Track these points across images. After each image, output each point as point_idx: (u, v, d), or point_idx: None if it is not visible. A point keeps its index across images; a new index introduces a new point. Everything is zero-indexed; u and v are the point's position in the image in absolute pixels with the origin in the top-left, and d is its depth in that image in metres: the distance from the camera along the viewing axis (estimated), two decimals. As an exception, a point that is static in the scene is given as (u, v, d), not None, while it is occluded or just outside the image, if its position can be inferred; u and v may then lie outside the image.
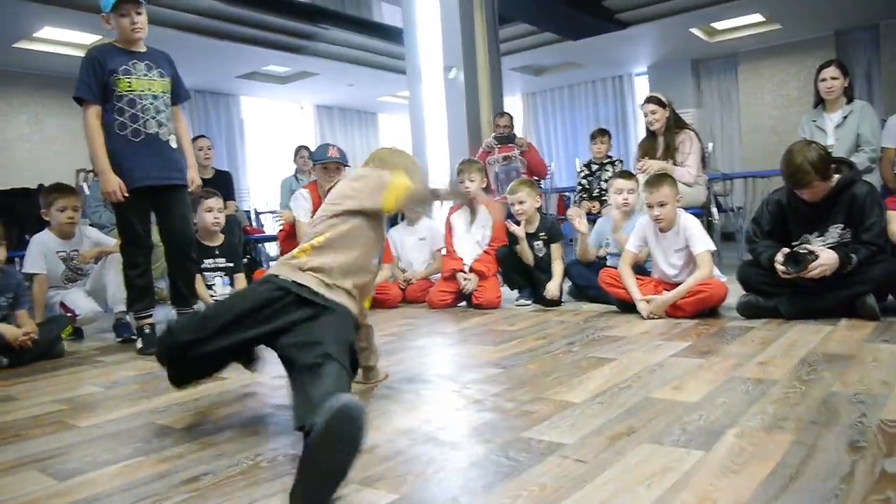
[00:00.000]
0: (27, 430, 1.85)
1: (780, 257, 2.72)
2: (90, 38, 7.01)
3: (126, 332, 3.37)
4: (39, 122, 7.93)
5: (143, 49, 3.01)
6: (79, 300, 3.40)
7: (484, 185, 4.27)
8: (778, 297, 2.80)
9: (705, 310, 2.99)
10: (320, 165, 3.98)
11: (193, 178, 3.16)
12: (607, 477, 1.28)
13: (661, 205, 3.07)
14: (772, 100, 8.91)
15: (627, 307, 3.20)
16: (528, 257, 3.79)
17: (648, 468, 1.30)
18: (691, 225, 3.08)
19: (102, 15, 2.92)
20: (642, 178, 3.89)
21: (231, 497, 1.29)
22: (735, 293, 3.02)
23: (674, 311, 3.01)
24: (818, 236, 2.79)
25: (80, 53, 7.27)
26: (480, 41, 5.89)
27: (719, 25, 8.30)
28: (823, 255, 2.64)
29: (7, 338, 2.77)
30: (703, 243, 3.03)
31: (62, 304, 3.38)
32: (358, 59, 8.77)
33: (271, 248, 6.80)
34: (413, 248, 4.38)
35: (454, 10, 5.65)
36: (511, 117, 5.64)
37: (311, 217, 3.88)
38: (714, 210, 5.05)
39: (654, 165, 4.21)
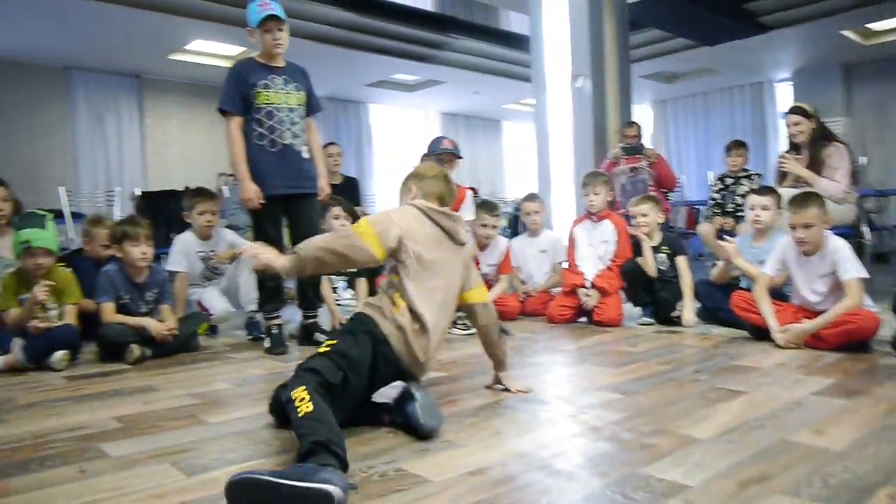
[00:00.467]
0: (164, 421, 1.97)
1: None
2: (235, 50, 7.50)
3: (256, 330, 3.55)
4: (187, 128, 8.56)
5: (282, 64, 3.16)
6: (214, 300, 3.60)
7: (610, 199, 4.14)
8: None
9: (851, 342, 2.72)
10: (434, 157, 4.00)
11: (323, 186, 3.29)
12: (736, 528, 1.18)
13: (807, 227, 2.82)
14: (937, 108, 8.11)
15: (762, 334, 2.98)
16: (652, 267, 3.64)
17: (784, 523, 1.19)
18: (840, 248, 2.81)
19: (248, 29, 3.10)
20: (785, 193, 3.63)
21: (343, 510, 1.31)
22: (889, 325, 2.75)
23: (815, 341, 2.77)
24: None
25: (225, 64, 7.83)
26: (610, 49, 5.74)
27: (876, 26, 7.63)
28: None
29: (151, 331, 2.98)
30: (853, 269, 2.76)
31: (199, 303, 3.61)
32: (484, 67, 8.83)
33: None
34: (534, 259, 4.32)
35: (583, 18, 5.55)
36: (640, 127, 5.46)
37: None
38: (865, 229, 4.65)
39: (797, 169, 3.92)
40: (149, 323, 3.01)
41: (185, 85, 8.50)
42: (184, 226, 3.89)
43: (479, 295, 2.19)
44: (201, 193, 3.74)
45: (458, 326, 3.52)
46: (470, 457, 1.60)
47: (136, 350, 2.87)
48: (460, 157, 4.08)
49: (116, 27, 6.55)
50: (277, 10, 3.02)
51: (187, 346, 3.16)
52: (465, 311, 2.24)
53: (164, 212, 4.92)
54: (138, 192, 5.78)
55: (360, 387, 1.81)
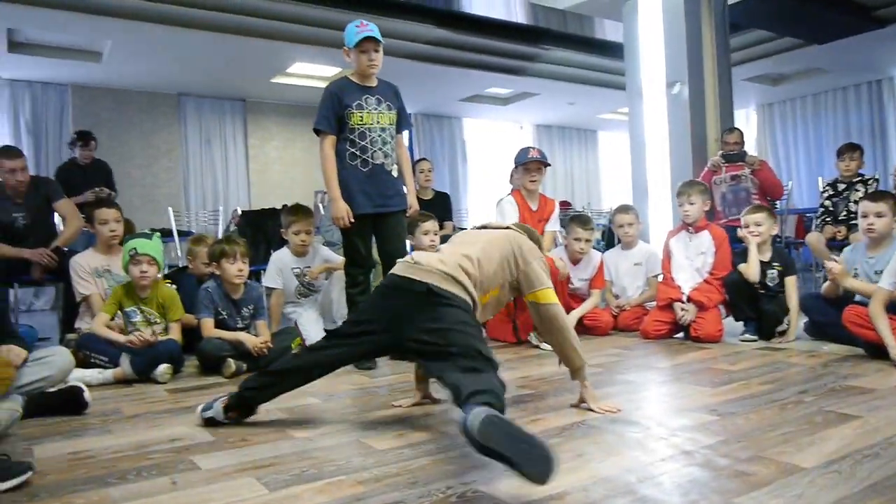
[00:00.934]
0: (253, 435, 2.03)
1: None
2: (333, 71, 7.76)
3: None
4: (287, 148, 8.92)
5: (374, 83, 3.23)
6: (309, 327, 3.65)
7: (707, 208, 3.95)
8: None
9: (985, 363, 2.46)
10: (522, 167, 3.98)
11: (412, 203, 3.33)
12: (839, 571, 1.07)
13: None
14: None
15: (879, 352, 2.75)
16: (755, 273, 3.44)
17: (896, 567, 1.07)
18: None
19: (344, 48, 3.19)
20: None
21: (417, 531, 1.29)
22: None
23: (940, 361, 2.52)
24: None
25: (322, 85, 8.10)
26: (708, 53, 5.50)
27: None
28: None
29: (247, 345, 3.09)
30: (983, 284, 2.50)
31: (296, 324, 3.71)
32: (578, 78, 8.71)
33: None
34: (627, 273, 4.19)
35: (679, 23, 5.35)
36: (741, 133, 5.19)
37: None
38: None
39: None
40: (244, 337, 3.12)
41: (286, 106, 8.88)
42: (283, 242, 4.03)
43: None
44: (295, 212, 3.84)
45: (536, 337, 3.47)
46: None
47: (232, 364, 2.98)
48: (548, 164, 4.07)
49: (224, 54, 6.94)
50: (375, 32, 3.10)
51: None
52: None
53: (263, 229, 5.13)
54: (239, 210, 6.05)
55: None
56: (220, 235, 5.21)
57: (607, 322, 3.96)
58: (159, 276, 3.22)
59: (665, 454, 1.70)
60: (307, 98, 8.58)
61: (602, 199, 11.69)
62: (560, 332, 2.15)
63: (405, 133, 3.41)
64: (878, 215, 3.08)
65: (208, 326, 3.14)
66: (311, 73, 7.90)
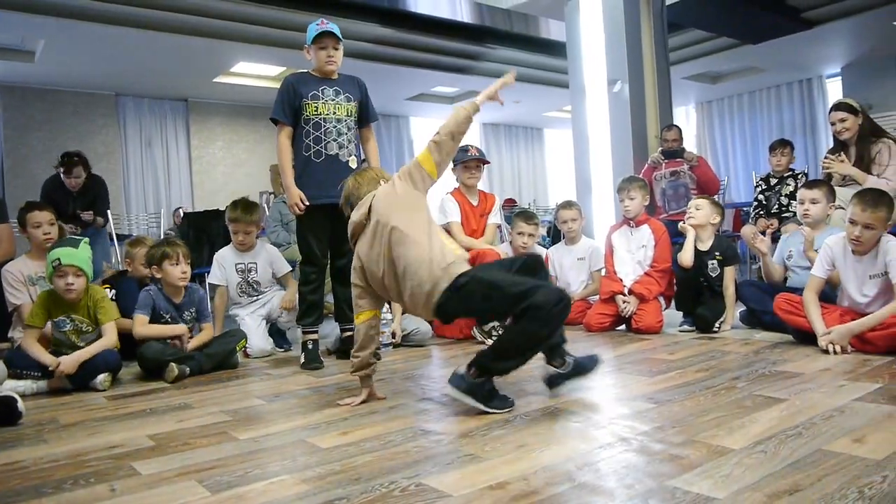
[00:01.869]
0: (195, 439, 2.00)
1: None
2: (277, 70, 7.68)
3: (283, 342, 3.78)
4: (232, 149, 8.78)
5: (334, 76, 3.23)
6: (253, 339, 3.55)
7: (647, 203, 4.06)
8: None
9: (903, 346, 2.60)
10: (461, 165, 4.04)
11: None
12: (760, 544, 1.13)
13: (869, 227, 2.69)
14: None
15: (807, 338, 2.88)
16: (688, 258, 3.56)
17: (812, 538, 1.14)
18: (894, 248, 2.69)
19: (305, 47, 3.21)
20: (842, 192, 3.51)
21: (359, 526, 1.30)
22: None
23: (862, 345, 2.65)
24: None
25: (267, 84, 8.02)
26: (648, 52, 5.65)
27: (931, 16, 7.33)
28: None
29: (178, 332, 3.09)
30: (905, 270, 2.63)
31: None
32: (523, 76, 8.79)
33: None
34: (571, 267, 4.27)
35: (619, 22, 5.48)
36: (680, 130, 5.35)
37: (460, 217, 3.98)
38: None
39: (843, 168, 3.79)
40: (177, 330, 3.11)
41: (230, 106, 8.73)
42: (227, 244, 3.95)
43: None
44: (236, 208, 3.73)
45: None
46: (492, 471, 1.58)
47: (175, 368, 2.92)
48: (487, 162, 4.17)
49: (164, 53, 6.79)
50: (334, 28, 3.13)
51: (226, 363, 3.21)
52: None
53: (207, 231, 5.04)
54: (182, 212, 5.93)
55: None
56: (161, 238, 5.09)
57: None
58: (98, 281, 3.13)
59: (604, 442, 1.75)
60: (252, 98, 8.46)
61: (549, 196, 11.84)
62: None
63: (373, 125, 3.40)
64: (813, 202, 3.24)
65: (140, 322, 3.08)
66: (255, 72, 7.80)
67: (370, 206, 2.29)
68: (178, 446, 1.93)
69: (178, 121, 8.51)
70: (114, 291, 3.50)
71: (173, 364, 2.94)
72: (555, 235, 7.17)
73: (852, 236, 2.74)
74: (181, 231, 5.08)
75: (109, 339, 2.94)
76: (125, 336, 3.09)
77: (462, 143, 4.15)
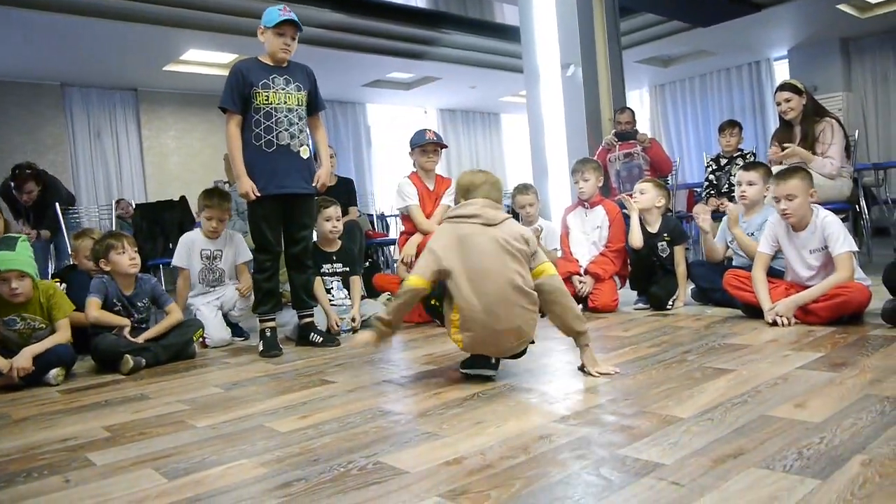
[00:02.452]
0: (152, 428, 1.99)
1: None
2: (229, 58, 7.55)
3: (238, 332, 3.75)
4: (184, 138, 8.62)
5: (285, 65, 3.18)
6: (211, 329, 3.52)
7: (601, 184, 4.13)
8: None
9: (844, 316, 2.71)
10: (419, 149, 4.03)
11: (322, 178, 3.26)
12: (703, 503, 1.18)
13: (790, 198, 2.81)
14: (936, 78, 8.02)
15: (755, 312, 2.97)
16: (636, 239, 3.64)
17: (753, 496, 1.19)
18: (830, 223, 2.79)
19: (259, 28, 3.14)
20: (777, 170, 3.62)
21: (317, 505, 1.32)
22: (883, 297, 2.72)
23: (806, 316, 2.76)
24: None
25: (219, 72, 7.87)
26: (600, 35, 5.71)
27: (873, -1, 7.58)
28: None
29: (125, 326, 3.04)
30: (843, 243, 2.74)
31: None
32: (479, 62, 8.82)
33: (397, 252, 6.96)
34: (529, 250, 4.31)
35: (572, 7, 5.52)
36: (633, 112, 5.42)
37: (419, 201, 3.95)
38: (863, 204, 4.61)
39: (796, 153, 3.90)
40: (123, 321, 3.06)
41: (181, 95, 8.55)
42: (182, 234, 3.90)
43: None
44: (211, 196, 3.72)
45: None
46: (449, 447, 1.60)
47: (130, 360, 2.88)
48: (445, 146, 4.15)
49: (111, 42, 6.61)
50: (297, 19, 3.10)
51: (184, 353, 3.18)
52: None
53: (161, 222, 4.95)
54: (127, 202, 5.81)
55: None
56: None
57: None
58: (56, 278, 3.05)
59: (558, 415, 1.79)
60: (203, 86, 8.31)
61: (507, 181, 11.91)
62: (563, 299, 2.22)
63: (321, 114, 3.38)
64: (750, 183, 3.33)
65: (93, 305, 3.02)
66: (205, 59, 7.65)
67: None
68: (134, 436, 1.91)
69: (127, 111, 8.31)
70: (64, 285, 3.43)
71: (128, 356, 2.89)
72: (514, 218, 7.25)
73: (781, 211, 2.87)
74: (134, 223, 4.98)
75: (62, 335, 2.87)
76: (79, 330, 3.04)
77: (420, 127, 4.16)
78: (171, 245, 4.93)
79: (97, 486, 1.52)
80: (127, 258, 3.09)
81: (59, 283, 3.37)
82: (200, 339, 3.38)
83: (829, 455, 1.35)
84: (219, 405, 2.24)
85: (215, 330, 3.52)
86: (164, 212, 4.99)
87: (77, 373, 3.00)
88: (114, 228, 4.88)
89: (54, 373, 2.76)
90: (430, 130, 4.13)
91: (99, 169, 8.11)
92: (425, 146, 4.03)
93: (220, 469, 1.58)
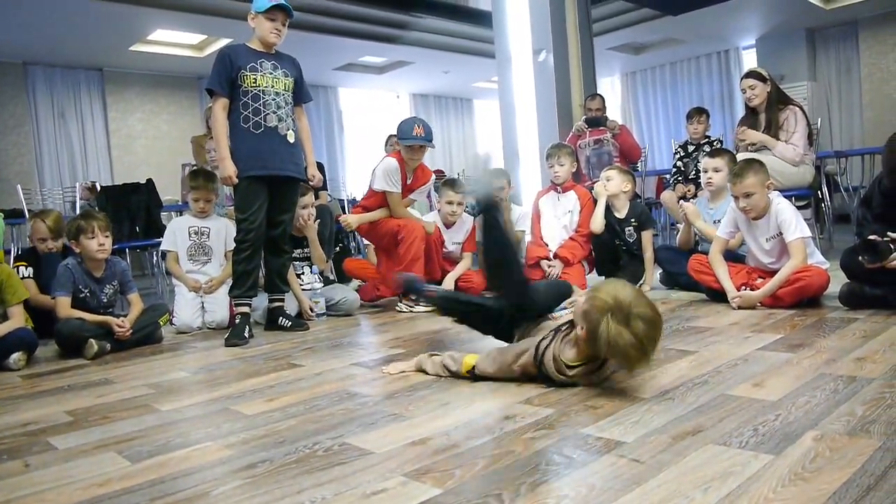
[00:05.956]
0: (116, 412, 1.97)
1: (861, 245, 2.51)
2: (198, 38, 7.42)
3: None
4: (152, 120, 8.46)
5: (272, 52, 3.19)
6: (182, 311, 3.49)
7: (574, 170, 4.15)
8: (888, 285, 2.55)
9: (804, 299, 2.78)
10: (405, 145, 3.90)
11: (313, 173, 3.34)
12: (661, 479, 1.20)
13: (747, 196, 2.86)
14: (898, 68, 8.18)
15: (718, 296, 3.03)
16: (599, 224, 3.66)
17: (708, 471, 1.22)
18: (783, 210, 2.86)
19: (250, 14, 3.13)
20: (742, 157, 3.67)
21: (282, 485, 1.32)
22: (841, 281, 2.79)
23: (771, 300, 2.82)
24: (935, 221, 2.53)
25: (188, 53, 7.74)
26: (571, 22, 5.73)
27: (837, -10, 7.70)
28: None
29: (112, 328, 2.96)
30: (795, 230, 2.81)
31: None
32: (452, 46, 8.77)
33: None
34: (499, 235, 4.32)
35: (543, -9, 5.53)
36: (603, 99, 5.46)
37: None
38: (825, 191, 4.71)
39: (754, 136, 3.97)
40: (109, 321, 2.98)
41: (149, 76, 8.38)
42: (149, 218, 3.88)
43: None
44: (195, 178, 3.71)
45: (421, 303, 3.56)
46: (416, 428, 1.61)
47: (94, 345, 2.83)
48: (432, 146, 3.95)
49: (75, 19, 6.44)
50: (288, 4, 3.09)
51: (150, 338, 3.14)
52: None
53: (127, 206, 4.87)
54: (88, 183, 5.70)
55: None
56: (77, 212, 4.89)
57: (480, 283, 4.06)
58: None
59: (524, 397, 1.81)
60: (172, 67, 8.16)
61: (479, 166, 11.90)
62: None
63: (303, 107, 3.37)
64: (716, 170, 3.38)
65: (64, 305, 2.97)
66: (173, 40, 7.50)
67: None
68: (98, 420, 1.89)
69: (93, 91, 8.12)
70: (30, 269, 3.37)
71: (92, 340, 2.85)
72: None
73: (740, 208, 2.93)
74: (98, 205, 4.88)
75: (15, 322, 2.79)
76: (43, 313, 2.98)
77: (409, 118, 3.97)
78: (137, 229, 4.87)
79: (58, 470, 1.51)
80: (96, 244, 3.03)
81: (26, 267, 3.32)
82: (168, 322, 3.34)
83: (783, 431, 1.39)
84: (185, 389, 2.22)
85: (186, 314, 3.48)
86: (130, 195, 4.91)
87: (40, 357, 2.96)
88: (77, 211, 4.79)
89: (15, 357, 2.72)
90: (419, 125, 3.84)
91: (63, 151, 7.92)
92: (412, 144, 3.86)
93: (185, 452, 1.57)
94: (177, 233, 3.68)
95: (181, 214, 4.09)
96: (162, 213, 5.21)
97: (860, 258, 2.50)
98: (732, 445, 1.34)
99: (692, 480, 1.19)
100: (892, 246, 2.44)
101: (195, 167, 5.40)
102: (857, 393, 1.60)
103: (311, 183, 3.37)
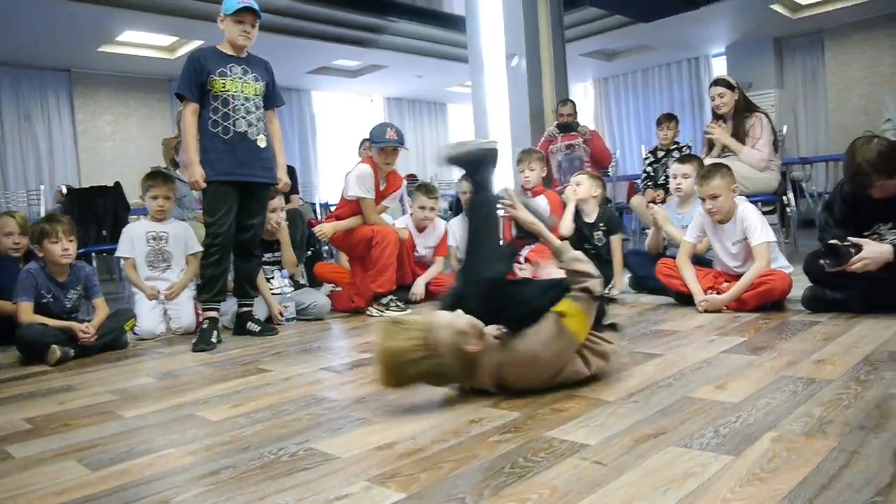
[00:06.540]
0: (77, 419, 1.93)
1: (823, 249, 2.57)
2: (168, 40, 7.34)
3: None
4: (121, 123, 8.34)
5: (243, 55, 3.16)
6: (144, 318, 3.40)
7: (544, 174, 4.18)
8: (848, 289, 2.61)
9: (768, 303, 2.83)
10: (378, 148, 3.84)
11: (281, 177, 3.31)
12: (624, 481, 1.22)
13: (714, 198, 2.92)
14: (861, 78, 8.36)
15: (686, 299, 3.07)
16: (566, 227, 3.69)
17: (669, 473, 1.24)
18: (749, 215, 2.91)
19: (219, 16, 3.10)
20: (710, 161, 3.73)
21: (244, 491, 1.31)
22: (804, 285, 2.85)
23: (736, 304, 2.86)
24: (891, 228, 2.59)
25: (158, 55, 7.65)
26: (544, 28, 5.77)
27: (804, 0, 7.84)
28: (868, 249, 2.46)
29: (76, 334, 2.91)
30: (759, 234, 2.87)
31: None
32: (426, 51, 8.78)
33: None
34: (471, 239, 4.33)
35: (517, -2, 5.56)
36: (574, 105, 5.50)
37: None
38: (790, 196, 4.79)
39: (722, 137, 4.03)
40: (73, 326, 2.93)
41: (118, 78, 8.25)
42: (115, 221, 3.81)
43: None
44: (154, 177, 3.64)
45: (392, 308, 3.56)
46: (382, 433, 1.61)
47: (57, 351, 2.78)
48: (405, 148, 3.90)
49: (42, 20, 6.32)
50: (255, 6, 3.07)
51: (115, 344, 3.09)
52: None
53: (93, 209, 4.79)
54: (64, 188, 5.61)
55: None
56: (41, 216, 4.81)
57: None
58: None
59: (491, 401, 1.82)
60: (142, 69, 8.05)
61: (453, 171, 11.92)
62: None
63: (276, 111, 3.37)
64: (685, 176, 3.43)
65: (26, 311, 2.91)
66: (144, 41, 7.40)
67: None
68: (58, 427, 1.86)
69: (60, 93, 7.96)
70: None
71: (55, 346, 2.80)
72: (457, 208, 7.28)
73: (706, 209, 2.99)
74: (65, 208, 4.80)
75: None
76: (3, 318, 2.92)
77: (381, 122, 3.94)
78: (103, 232, 4.80)
79: (15, 479, 1.48)
80: (59, 248, 2.98)
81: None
82: (133, 326, 3.28)
83: (743, 433, 1.41)
84: (149, 395, 2.19)
85: (149, 322, 3.41)
86: (97, 198, 4.83)
87: (1, 363, 2.90)
88: (42, 214, 4.70)
89: (-25, 364, 2.66)
90: (391, 128, 3.82)
91: (29, 153, 7.76)
92: (385, 148, 3.79)
93: (147, 459, 1.55)
94: (134, 239, 3.58)
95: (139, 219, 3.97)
96: (131, 217, 5.13)
97: (822, 262, 2.55)
98: (693, 447, 1.36)
99: (653, 482, 1.20)
100: (852, 250, 2.49)
101: (165, 168, 5.34)
102: (815, 395, 1.64)
103: (277, 187, 3.33)
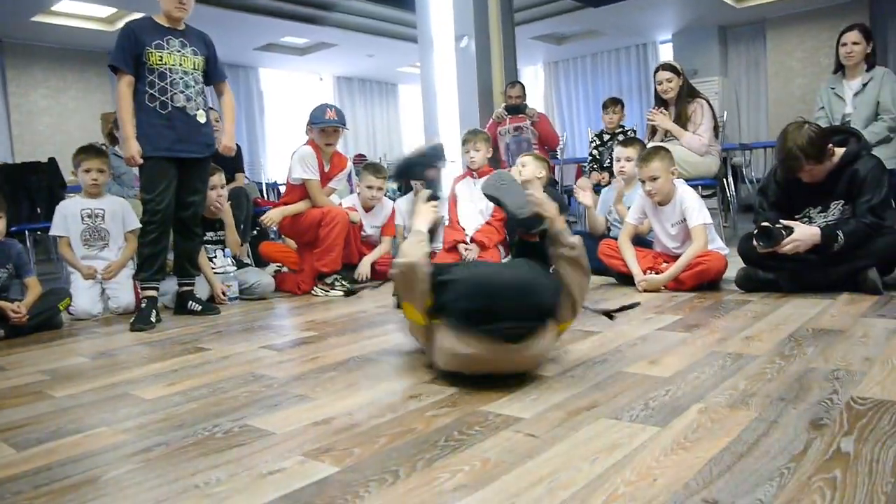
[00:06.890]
0: (5, 399, 1.87)
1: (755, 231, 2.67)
2: (107, 11, 7.08)
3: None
4: (58, 97, 8.02)
5: (181, 27, 3.07)
6: (80, 297, 3.29)
7: (490, 155, 4.20)
8: (779, 270, 2.70)
9: (704, 283, 2.91)
10: (318, 128, 3.78)
11: (226, 143, 3.24)
12: (554, 452, 1.24)
13: (653, 179, 2.99)
14: (801, 67, 8.62)
15: (626, 279, 3.14)
16: None
17: (598, 444, 1.27)
18: (687, 198, 2.99)
19: None
20: (655, 141, 3.81)
21: (176, 468, 1.29)
22: (739, 266, 2.94)
23: (674, 283, 2.94)
24: (820, 211, 2.70)
25: (97, 27, 7.37)
26: (493, 9, 5.77)
27: (747, -11, 8.05)
28: (798, 231, 2.57)
29: (6, 312, 2.80)
30: (697, 216, 2.95)
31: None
32: (376, 29, 8.69)
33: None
34: (418, 219, 4.33)
35: (466, -23, 5.54)
36: (523, 87, 5.53)
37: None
38: (730, 181, 4.93)
39: (663, 122, 4.11)
40: (3, 306, 2.82)
41: (55, 49, 7.93)
42: (51, 198, 3.66)
43: None
44: (86, 150, 3.49)
45: (336, 287, 3.54)
46: (319, 409, 1.61)
47: (-14, 330, 2.69)
48: (346, 128, 3.86)
49: (-34, -14, 6.03)
50: None
51: (49, 323, 2.99)
52: None
53: (26, 186, 4.61)
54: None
55: None
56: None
57: (399, 267, 4.09)
58: None
59: (429, 377, 1.83)
60: (80, 41, 7.75)
61: (403, 151, 11.87)
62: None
63: (227, 82, 3.32)
64: (628, 159, 3.49)
65: None
66: (79, 12, 7.12)
67: None
68: (-17, 408, 1.80)
69: (-10, 64, 7.63)
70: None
71: (-17, 326, 2.70)
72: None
73: (646, 191, 3.06)
74: (-5, 184, 4.61)
75: None
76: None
77: (321, 103, 3.88)
78: (38, 210, 4.63)
79: (-65, 459, 1.43)
80: None
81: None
82: (68, 306, 3.18)
83: (671, 405, 1.46)
84: (82, 375, 2.14)
85: (84, 301, 3.31)
86: (30, 174, 4.65)
87: (-75, 344, 2.78)
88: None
89: None
90: (331, 109, 3.75)
91: (-43, 127, 7.44)
92: (325, 127, 3.77)
93: (76, 438, 1.51)
94: (67, 217, 3.44)
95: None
96: (67, 194, 4.96)
97: (754, 243, 2.64)
98: (623, 419, 1.39)
99: (582, 453, 1.23)
100: (784, 232, 2.58)
101: (103, 145, 5.16)
102: (741, 369, 1.70)
103: (220, 150, 3.24)
